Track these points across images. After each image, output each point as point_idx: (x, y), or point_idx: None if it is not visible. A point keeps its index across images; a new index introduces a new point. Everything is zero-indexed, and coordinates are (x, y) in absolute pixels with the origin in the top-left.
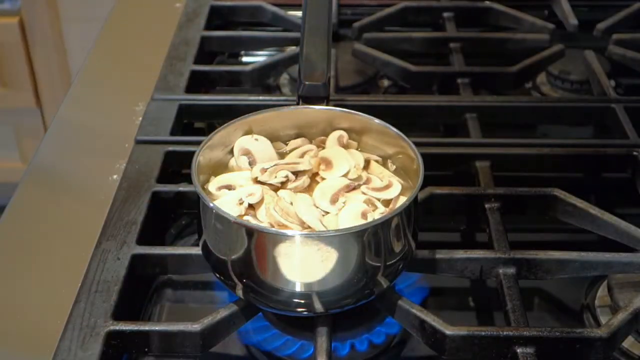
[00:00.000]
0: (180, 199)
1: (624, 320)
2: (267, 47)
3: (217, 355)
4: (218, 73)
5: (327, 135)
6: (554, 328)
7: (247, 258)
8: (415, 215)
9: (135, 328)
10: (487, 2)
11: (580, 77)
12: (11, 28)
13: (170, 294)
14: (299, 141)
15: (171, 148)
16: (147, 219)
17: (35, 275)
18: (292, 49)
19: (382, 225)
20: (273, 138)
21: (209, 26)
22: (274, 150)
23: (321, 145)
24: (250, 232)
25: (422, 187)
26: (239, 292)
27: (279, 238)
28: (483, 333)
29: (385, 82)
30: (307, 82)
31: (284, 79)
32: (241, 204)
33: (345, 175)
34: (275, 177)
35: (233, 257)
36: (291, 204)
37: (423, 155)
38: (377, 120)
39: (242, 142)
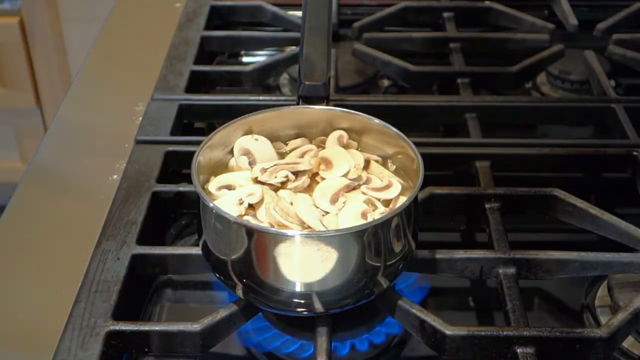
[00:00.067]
0: (180, 199)
1: (624, 320)
2: (267, 47)
3: (217, 355)
4: (218, 73)
5: (327, 135)
6: (554, 328)
7: (247, 258)
8: (415, 215)
9: (135, 328)
10: (487, 2)
11: (580, 77)
12: (11, 28)
13: (170, 294)
14: (299, 141)
15: (171, 148)
16: (147, 219)
17: (35, 275)
18: (292, 49)
19: (382, 225)
20: (273, 138)
21: (209, 26)
22: (274, 150)
23: (321, 145)
24: (250, 232)
25: (422, 187)
26: (239, 292)
27: (279, 238)
28: (483, 333)
29: (385, 82)
30: (307, 82)
31: (284, 79)
32: (241, 204)
33: (345, 175)
34: (275, 177)
35: (233, 257)
36: (291, 204)
37: (423, 155)
38: (377, 120)
39: (242, 142)
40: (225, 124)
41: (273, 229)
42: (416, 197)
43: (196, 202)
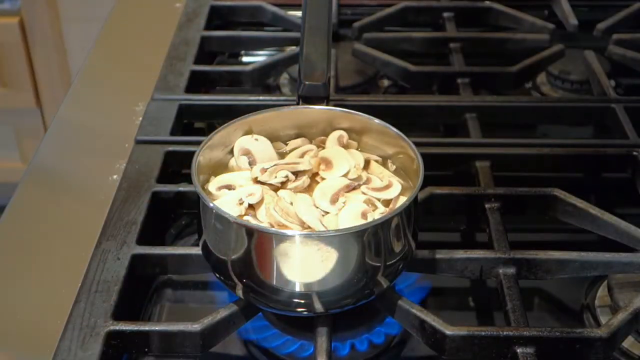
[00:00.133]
0: (180, 199)
1: (624, 320)
2: (267, 47)
3: (217, 355)
4: (218, 73)
5: (327, 135)
6: (554, 328)
7: (247, 258)
8: (415, 215)
9: (135, 328)
10: (487, 2)
11: (580, 77)
12: (11, 28)
13: (170, 294)
14: (299, 141)
15: (171, 148)
16: (147, 219)
17: (35, 275)
18: (292, 49)
19: (382, 225)
20: (273, 138)
21: (209, 26)
22: (274, 150)
23: (321, 145)
24: (250, 232)
25: (422, 187)
26: (239, 292)
27: (279, 238)
28: (483, 333)
29: (385, 82)
30: (307, 82)
31: (284, 79)
32: (241, 204)
33: (345, 175)
34: (275, 177)
35: (233, 257)
36: (291, 204)
37: (423, 155)
38: (377, 120)
39: (242, 142)
40: (225, 124)
41: (273, 229)
42: (416, 197)
43: (196, 202)
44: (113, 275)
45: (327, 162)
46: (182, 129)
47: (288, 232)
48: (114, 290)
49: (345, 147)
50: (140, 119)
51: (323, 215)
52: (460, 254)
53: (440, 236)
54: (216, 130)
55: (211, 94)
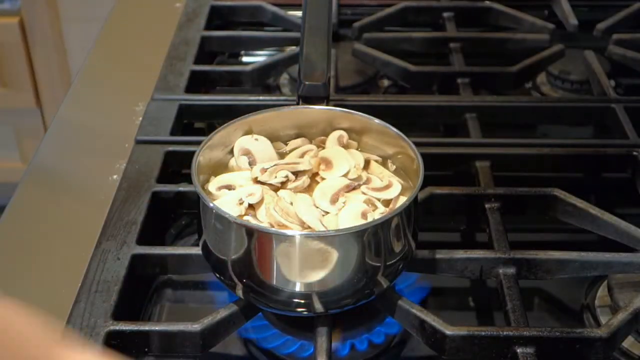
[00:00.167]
0: (180, 199)
1: (624, 320)
2: (267, 47)
3: (217, 355)
4: (218, 73)
5: (327, 135)
6: (554, 328)
7: (247, 258)
8: (415, 215)
9: (135, 328)
10: (487, 2)
11: (580, 77)
12: (11, 28)
13: (170, 294)
14: (299, 141)
15: (171, 148)
16: (147, 219)
17: (35, 275)
18: (292, 49)
19: (382, 225)
20: (273, 138)
21: (209, 26)
22: (274, 150)
23: (321, 145)
24: (250, 232)
25: (422, 187)
26: (239, 292)
27: (279, 238)
28: (483, 333)
29: (385, 82)
30: (307, 82)
31: (284, 79)
32: (241, 204)
33: (345, 175)
34: (275, 177)
35: (233, 257)
36: (291, 204)
37: (423, 155)
38: (377, 120)
39: (242, 142)
40: (225, 124)
41: (273, 229)
42: (416, 197)
43: (196, 202)
44: (113, 275)
45: (327, 162)
46: (182, 129)
47: (288, 232)
48: (114, 290)
49: (345, 147)
50: (140, 119)
51: (323, 215)
52: (460, 254)
53: (440, 236)
54: (216, 130)
55: (211, 94)
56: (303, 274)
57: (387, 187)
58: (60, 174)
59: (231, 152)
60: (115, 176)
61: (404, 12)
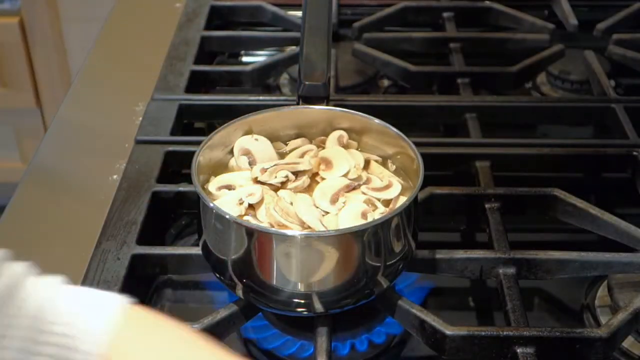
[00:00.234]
0: (180, 199)
1: (624, 320)
2: (267, 47)
3: None
4: (218, 73)
5: (327, 135)
6: (554, 328)
7: (247, 258)
8: (415, 215)
9: None
10: (487, 2)
11: (580, 77)
12: (11, 28)
13: (170, 294)
14: (299, 141)
15: (171, 148)
16: (147, 219)
17: None
18: (292, 49)
19: (382, 225)
20: (273, 138)
21: (209, 26)
22: (274, 150)
23: (321, 145)
24: (250, 232)
25: (422, 187)
26: (239, 292)
27: (279, 238)
28: (483, 333)
29: (385, 82)
30: (307, 82)
31: (284, 79)
32: (241, 204)
33: (345, 175)
34: (275, 177)
35: (233, 257)
36: (291, 204)
37: (423, 155)
38: (377, 120)
39: (242, 142)
40: (225, 124)
41: (273, 229)
42: (416, 197)
43: (196, 202)
44: (113, 275)
45: (327, 162)
46: (182, 129)
47: (288, 232)
48: (114, 291)
49: (345, 147)
50: (140, 119)
51: (323, 215)
52: (460, 254)
53: (440, 236)
54: (216, 130)
55: (211, 94)
56: (303, 274)
57: (387, 187)
58: (60, 174)
59: (231, 152)
60: (115, 176)
61: (403, 12)
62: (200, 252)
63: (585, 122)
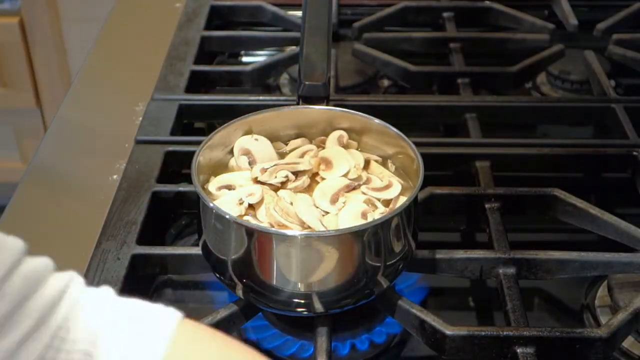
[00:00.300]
0: (180, 199)
1: (624, 320)
2: (267, 47)
3: None
4: (218, 73)
5: (327, 135)
6: (554, 328)
7: (247, 258)
8: (415, 215)
9: None
10: (487, 2)
11: (580, 77)
12: (11, 28)
13: (170, 294)
14: (299, 141)
15: (171, 148)
16: (147, 219)
17: None
18: (292, 49)
19: (382, 225)
20: (273, 138)
21: (209, 26)
22: (274, 150)
23: (321, 145)
24: (250, 232)
25: (422, 187)
26: (239, 292)
27: (279, 238)
28: (483, 333)
29: (385, 82)
30: (307, 82)
31: (284, 79)
32: (241, 204)
33: (345, 175)
34: (275, 177)
35: (233, 257)
36: (291, 204)
37: (423, 155)
38: (377, 120)
39: (242, 142)
40: (225, 124)
41: (273, 229)
42: (416, 197)
43: (196, 202)
44: (113, 275)
45: (327, 162)
46: (182, 129)
47: (288, 232)
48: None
49: (345, 147)
50: (140, 119)
51: (323, 215)
52: (460, 254)
53: (440, 236)
54: (216, 130)
55: (211, 94)
56: (303, 274)
57: (387, 187)
58: (60, 174)
59: (231, 152)
60: (115, 176)
61: (403, 12)
62: (200, 252)
63: (585, 122)
